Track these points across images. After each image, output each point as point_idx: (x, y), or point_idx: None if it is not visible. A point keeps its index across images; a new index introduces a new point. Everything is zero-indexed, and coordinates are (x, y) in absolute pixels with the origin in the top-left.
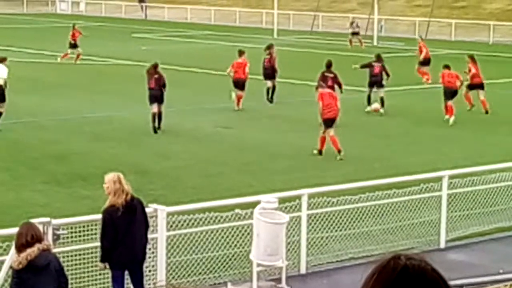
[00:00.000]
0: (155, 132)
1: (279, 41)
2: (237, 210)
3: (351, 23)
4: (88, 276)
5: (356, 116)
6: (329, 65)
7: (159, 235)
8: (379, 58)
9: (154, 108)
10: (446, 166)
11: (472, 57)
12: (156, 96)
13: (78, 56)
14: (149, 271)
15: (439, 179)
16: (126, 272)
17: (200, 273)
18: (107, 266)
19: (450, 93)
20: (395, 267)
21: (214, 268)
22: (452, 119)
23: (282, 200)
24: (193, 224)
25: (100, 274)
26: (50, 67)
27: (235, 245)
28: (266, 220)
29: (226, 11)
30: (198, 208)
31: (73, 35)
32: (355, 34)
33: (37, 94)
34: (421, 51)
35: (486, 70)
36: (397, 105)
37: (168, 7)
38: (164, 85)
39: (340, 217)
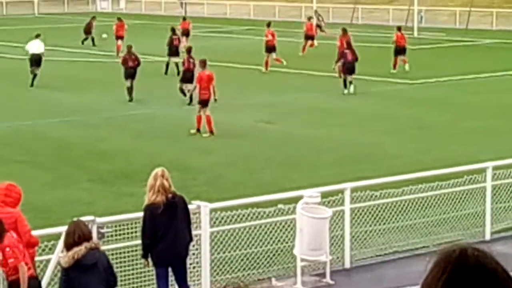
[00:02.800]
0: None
1: (319, 35)
2: (280, 205)
3: (317, 15)
4: (132, 274)
5: (397, 108)
6: None
7: (203, 232)
8: (344, 33)
9: (128, 82)
10: (489, 158)
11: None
12: (132, 73)
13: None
14: (193, 267)
15: (483, 170)
16: (170, 269)
17: (244, 269)
18: (150, 263)
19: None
20: (464, 264)
21: (258, 263)
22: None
23: (324, 195)
24: (236, 220)
25: (144, 272)
26: (92, 65)
27: (279, 241)
28: (309, 215)
29: (265, 5)
30: (241, 204)
31: (117, 30)
32: (318, 26)
33: (80, 92)
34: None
35: None
36: (438, 96)
37: (207, 3)
38: (138, 64)
39: (384, 211)
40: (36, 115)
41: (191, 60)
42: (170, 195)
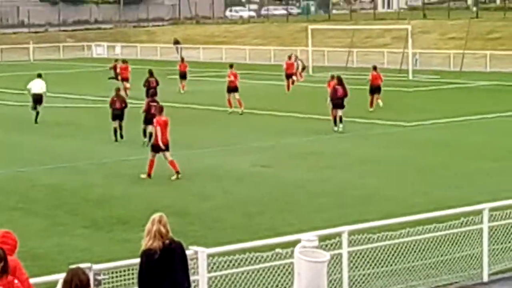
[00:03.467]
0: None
1: (315, 78)
2: (277, 250)
3: (295, 59)
4: None
5: (392, 150)
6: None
7: (200, 277)
8: (332, 78)
9: (116, 123)
10: (486, 199)
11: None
12: (120, 115)
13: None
14: None
15: (480, 212)
16: None
17: None
18: None
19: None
20: None
21: None
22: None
23: (322, 238)
24: (234, 265)
25: None
26: (88, 111)
27: (277, 285)
28: (307, 259)
29: (260, 50)
30: (238, 249)
31: (121, 71)
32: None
33: (75, 138)
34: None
35: None
36: (433, 138)
37: (203, 47)
38: (126, 105)
39: (382, 253)
40: (31, 162)
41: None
42: (167, 241)
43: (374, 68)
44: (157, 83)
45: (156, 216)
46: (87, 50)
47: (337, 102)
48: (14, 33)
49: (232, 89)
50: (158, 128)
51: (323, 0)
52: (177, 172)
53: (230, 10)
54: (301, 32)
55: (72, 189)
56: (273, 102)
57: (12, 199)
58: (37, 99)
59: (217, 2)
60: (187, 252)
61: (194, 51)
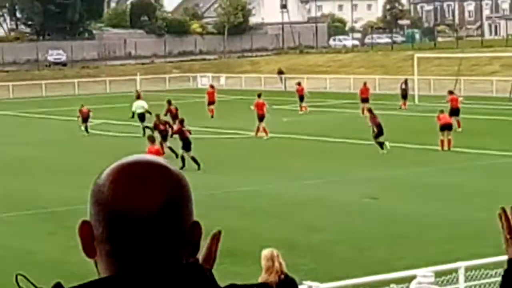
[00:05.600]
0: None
1: (421, 107)
2: (392, 286)
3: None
4: None
5: (506, 182)
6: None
7: None
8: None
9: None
10: None
11: None
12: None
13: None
14: None
15: None
16: None
17: None
18: None
19: None
20: None
21: None
22: None
23: (438, 274)
24: None
25: None
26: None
27: None
28: None
29: (365, 79)
30: (352, 284)
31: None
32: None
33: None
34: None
35: None
36: None
37: (307, 77)
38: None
39: None
40: None
41: (184, 129)
42: (282, 276)
43: (450, 92)
44: (177, 110)
45: (267, 253)
46: (192, 81)
47: (446, 125)
48: (121, 65)
49: (261, 117)
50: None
51: (428, 28)
52: None
53: (334, 39)
54: (406, 61)
55: None
56: None
57: None
58: (141, 116)
59: (321, 31)
60: (301, 287)
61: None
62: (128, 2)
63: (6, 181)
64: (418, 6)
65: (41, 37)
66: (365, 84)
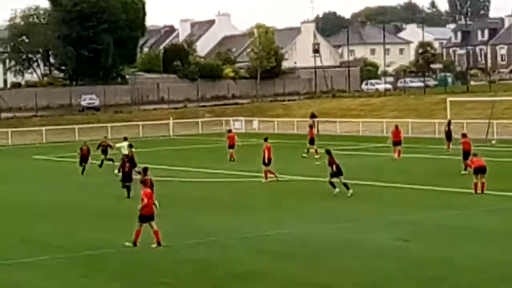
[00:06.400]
0: None
1: (455, 150)
2: None
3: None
4: None
5: None
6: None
7: None
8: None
9: None
10: None
11: None
12: None
13: None
14: None
15: None
16: None
17: None
18: None
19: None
20: None
21: None
22: None
23: None
24: None
25: None
26: (224, 185)
27: None
28: None
29: (398, 122)
30: None
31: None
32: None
33: (216, 213)
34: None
35: None
36: None
37: (340, 121)
38: None
39: None
40: (176, 238)
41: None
42: None
43: (464, 135)
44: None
45: None
46: (225, 125)
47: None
48: (155, 109)
49: (268, 162)
50: (145, 200)
51: (461, 72)
52: (158, 243)
53: (366, 84)
54: (439, 104)
55: (216, 264)
56: (411, 175)
57: (159, 275)
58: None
59: (353, 75)
60: None
61: (330, 125)
62: (161, 47)
63: (38, 225)
64: (451, 50)
65: (74, 82)
66: (396, 126)
